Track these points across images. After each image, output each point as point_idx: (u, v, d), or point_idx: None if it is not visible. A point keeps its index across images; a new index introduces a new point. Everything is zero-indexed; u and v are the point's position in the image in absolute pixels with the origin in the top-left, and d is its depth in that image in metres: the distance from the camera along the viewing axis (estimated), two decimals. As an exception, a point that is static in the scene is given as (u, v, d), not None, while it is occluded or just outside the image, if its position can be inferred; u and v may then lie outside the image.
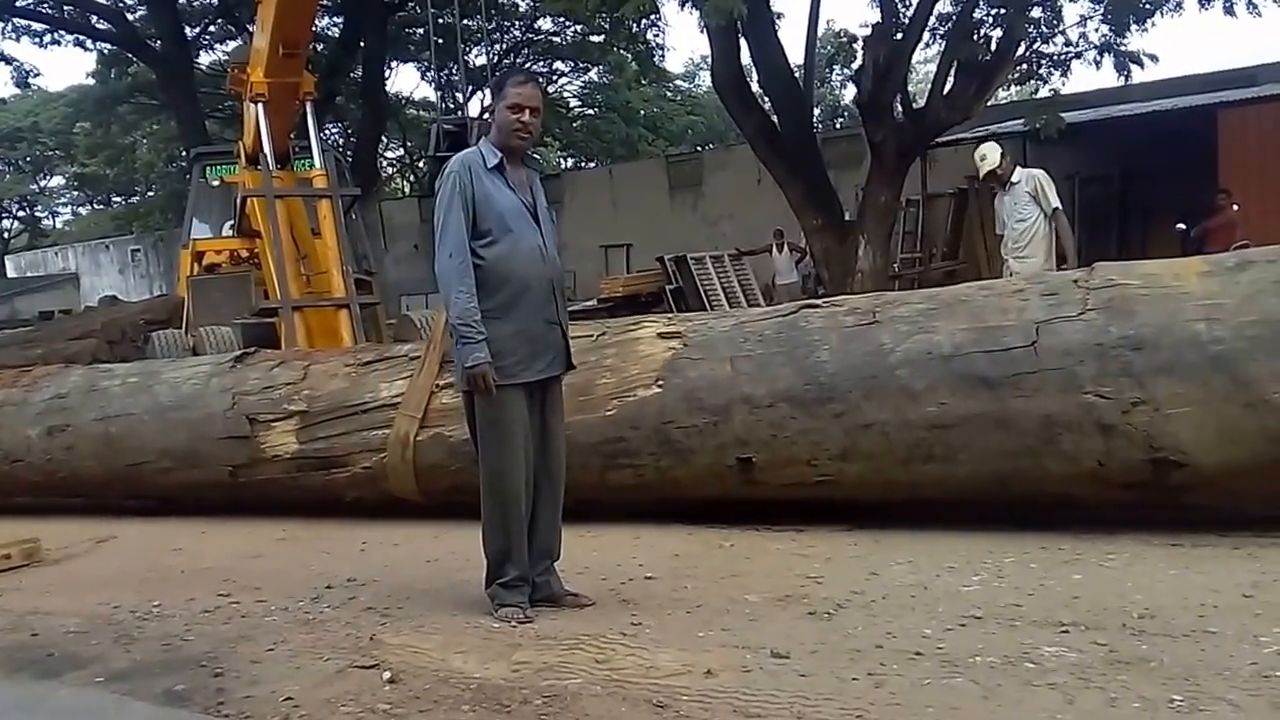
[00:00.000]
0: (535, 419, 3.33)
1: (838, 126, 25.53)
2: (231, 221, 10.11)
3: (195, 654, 3.14)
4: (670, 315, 4.90)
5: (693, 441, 4.14)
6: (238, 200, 9.39)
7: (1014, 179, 6.50)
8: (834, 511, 4.13)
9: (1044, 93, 14.75)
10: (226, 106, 20.68)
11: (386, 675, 2.81)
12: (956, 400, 3.77)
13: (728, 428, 4.09)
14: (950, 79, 12.32)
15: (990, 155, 6.50)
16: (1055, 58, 12.97)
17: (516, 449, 3.26)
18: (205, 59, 23.98)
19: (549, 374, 3.36)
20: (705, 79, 24.26)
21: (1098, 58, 12.59)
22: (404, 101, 29.60)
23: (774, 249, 15.16)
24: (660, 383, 4.23)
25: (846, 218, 13.52)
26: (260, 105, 8.27)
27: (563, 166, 30.03)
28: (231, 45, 22.70)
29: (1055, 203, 6.39)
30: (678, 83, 33.55)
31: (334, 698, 2.69)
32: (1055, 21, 12.55)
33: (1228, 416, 3.46)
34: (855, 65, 13.57)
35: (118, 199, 36.66)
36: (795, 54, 14.88)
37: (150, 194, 32.63)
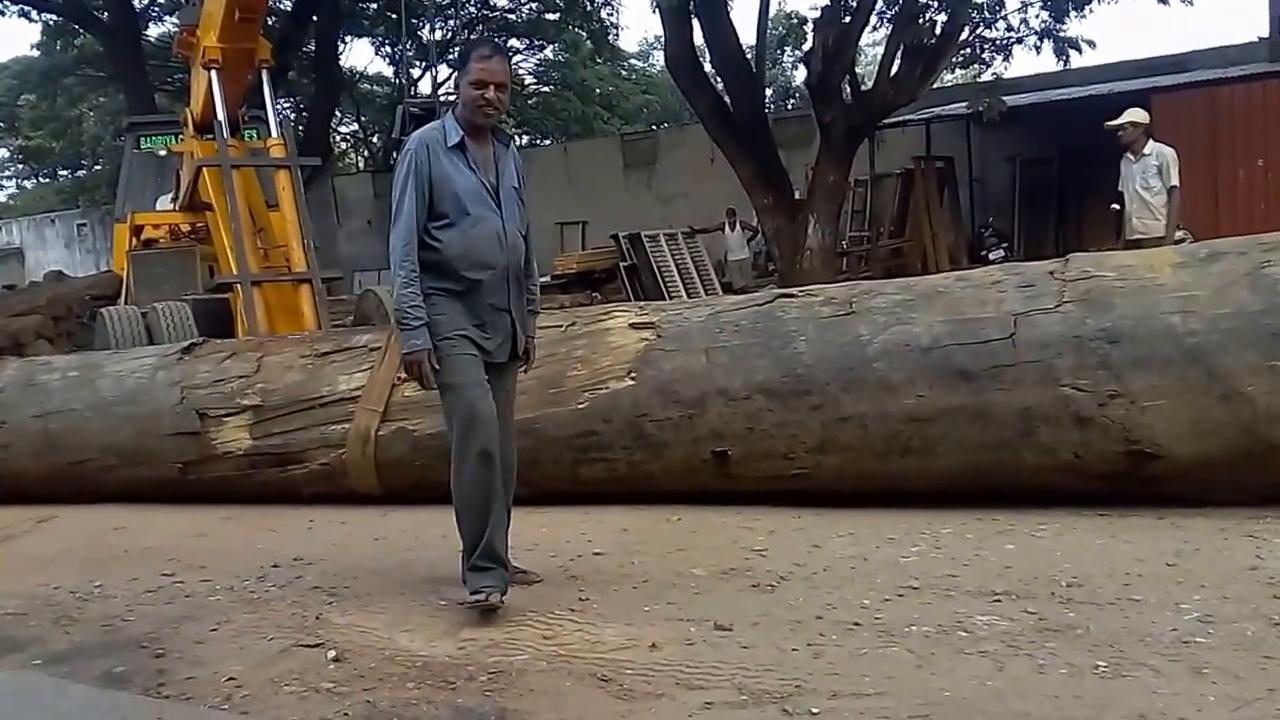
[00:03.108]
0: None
1: (789, 107, 25.53)
2: (170, 194, 9.73)
3: (136, 635, 3.07)
4: (641, 305, 4.72)
5: (667, 435, 4.05)
6: (183, 172, 9.05)
7: (1145, 151, 7.07)
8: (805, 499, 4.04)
9: (986, 76, 14.92)
10: (176, 79, 20.13)
11: (331, 654, 2.78)
12: (935, 393, 3.72)
13: (703, 421, 3.99)
14: (897, 62, 12.38)
15: (1137, 116, 7.13)
16: (997, 42, 13.13)
17: (482, 418, 3.02)
18: (154, 31, 23.30)
19: (496, 359, 3.19)
20: (660, 58, 24.09)
21: (1038, 43, 12.78)
22: (357, 76, 29.05)
23: (726, 227, 15.20)
24: (633, 375, 4.11)
25: (796, 196, 13.58)
26: (213, 71, 7.86)
27: (518, 143, 29.69)
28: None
29: (1175, 182, 7.01)
30: (632, 61, 33.31)
31: (277, 677, 2.66)
32: (997, 7, 12.69)
33: (1202, 408, 3.45)
34: (805, 47, 13.59)
35: (64, 172, 35.59)
36: (747, 35, 14.84)
37: (97, 167, 31.71)
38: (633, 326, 4.27)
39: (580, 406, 4.15)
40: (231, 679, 2.67)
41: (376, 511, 4.40)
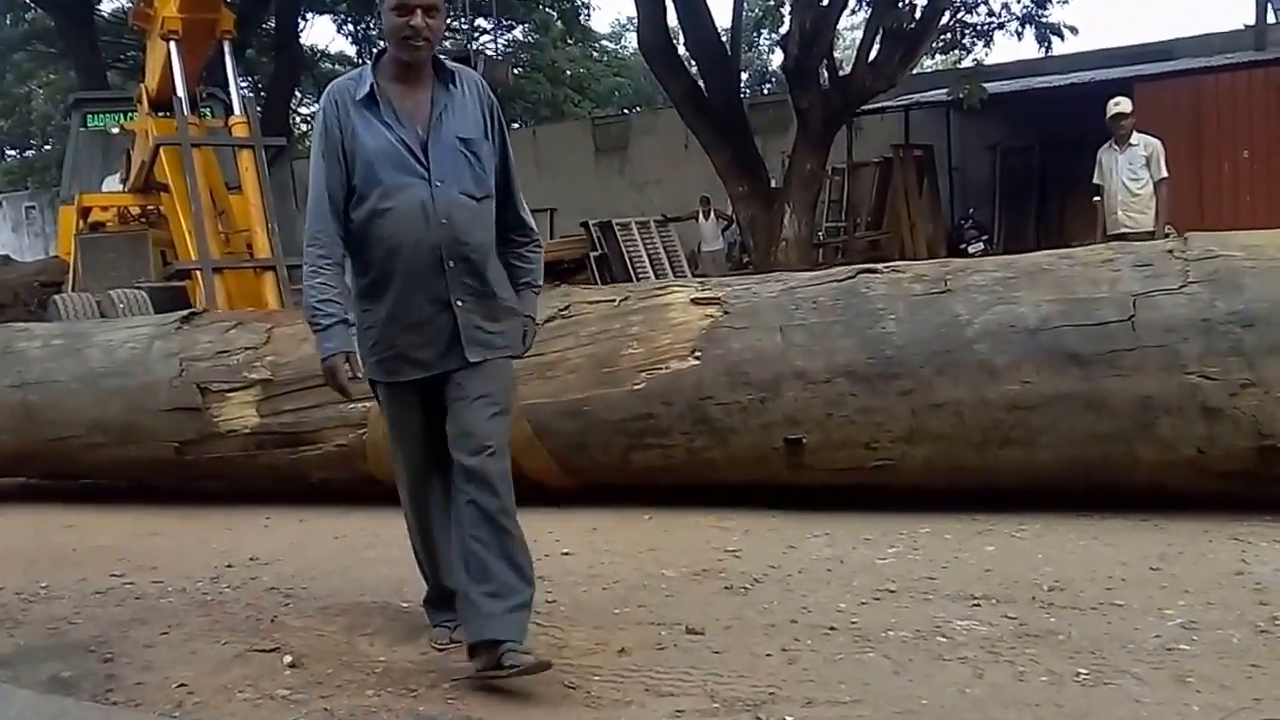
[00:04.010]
0: (454, 417, 2.59)
1: (765, 92, 25.59)
2: (119, 175, 9.50)
3: (84, 638, 3.00)
4: (702, 280, 4.45)
5: (734, 420, 3.84)
6: (135, 151, 8.84)
7: (1133, 141, 7.11)
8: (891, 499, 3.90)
9: (967, 63, 15.00)
10: (129, 56, 19.79)
11: (288, 659, 2.73)
12: (1042, 378, 3.52)
13: (776, 405, 3.78)
14: (876, 46, 12.41)
15: (1127, 106, 7.21)
16: (978, 27, 13.20)
17: (406, 454, 2.73)
18: (107, 6, 22.90)
19: (440, 369, 2.59)
20: (632, 40, 24.05)
21: (1019, 28, 12.87)
22: (319, 55, 28.72)
23: (700, 215, 15.18)
24: (697, 354, 3.90)
25: (772, 185, 13.59)
26: (172, 43, 7.56)
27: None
28: (134, -9, 21.67)
29: (1164, 173, 7.09)
30: (604, 43, 33.19)
31: (231, 683, 2.61)
32: (979, -9, 12.75)
33: None
34: (782, 30, 13.60)
35: (11, 152, 34.91)
36: (723, 17, 14.82)
37: (46, 147, 31.16)
38: (695, 302, 4.06)
39: (637, 387, 3.93)
40: (183, 685, 2.61)
41: (335, 509, 4.34)
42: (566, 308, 4.20)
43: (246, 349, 4.55)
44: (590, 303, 4.24)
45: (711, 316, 3.99)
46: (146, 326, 4.98)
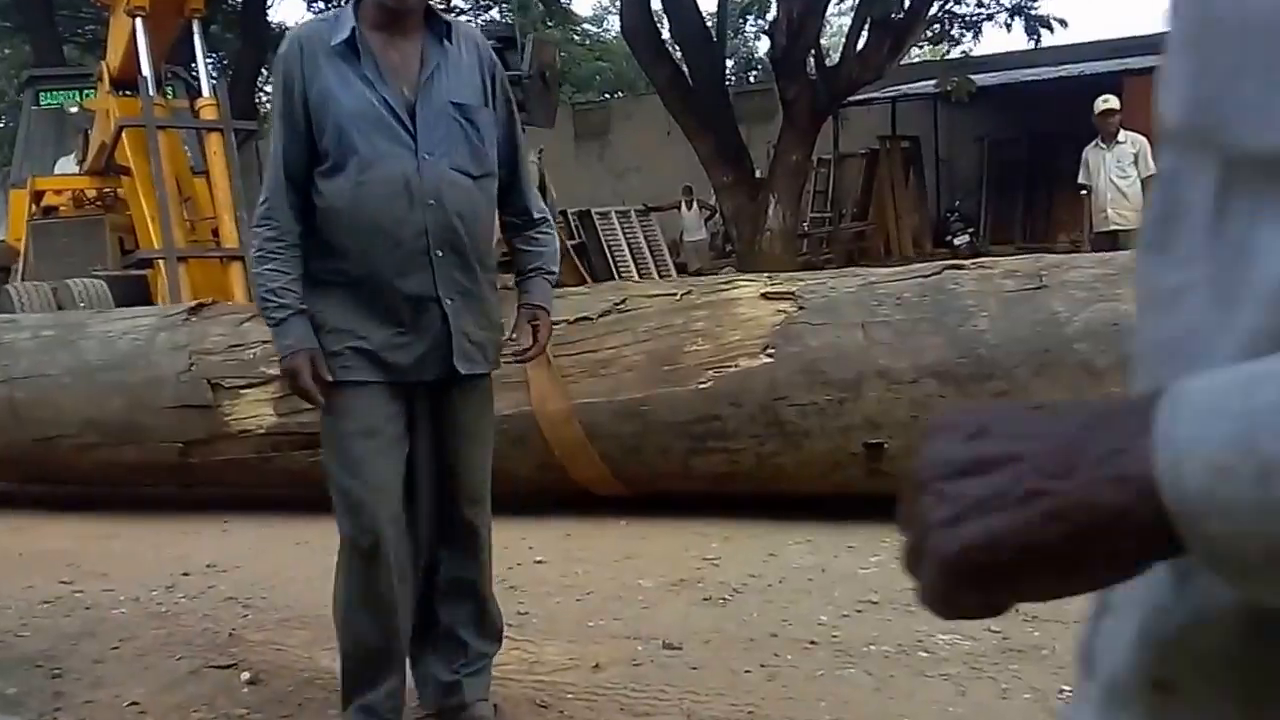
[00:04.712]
0: (427, 441, 2.28)
1: (751, 80, 25.56)
2: (75, 155, 9.35)
3: (31, 652, 2.94)
4: (771, 275, 4.35)
5: (810, 422, 3.72)
6: (93, 132, 8.69)
7: (1120, 139, 7.21)
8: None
9: (955, 54, 15.06)
10: (88, 31, 19.53)
11: (246, 676, 2.69)
12: None
13: (856, 407, 3.67)
14: (863, 36, 12.43)
15: (1115, 103, 7.35)
16: (967, 19, 13.24)
17: (362, 483, 2.17)
18: (64, -22, 22.55)
19: (418, 376, 2.21)
20: (615, 23, 23.97)
21: (1009, 20, 12.92)
22: (287, 32, 28.50)
23: (683, 205, 15.15)
24: (770, 351, 3.79)
25: (757, 175, 13.59)
26: (138, 20, 7.33)
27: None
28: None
29: (1152, 169, 7.20)
30: (585, 27, 33.07)
31: (185, 702, 2.57)
32: (969, -19, 12.80)
33: None
34: (769, 16, 13.58)
35: (-36, 130, 34.46)
36: (708, 2, 14.78)
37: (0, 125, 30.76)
38: (765, 297, 3.94)
39: (702, 386, 3.81)
40: (134, 704, 2.57)
41: (297, 513, 4.26)
42: (622, 301, 4.10)
43: (263, 342, 4.27)
44: (648, 296, 4.15)
45: (785, 312, 3.87)
46: (149, 317, 4.74)
